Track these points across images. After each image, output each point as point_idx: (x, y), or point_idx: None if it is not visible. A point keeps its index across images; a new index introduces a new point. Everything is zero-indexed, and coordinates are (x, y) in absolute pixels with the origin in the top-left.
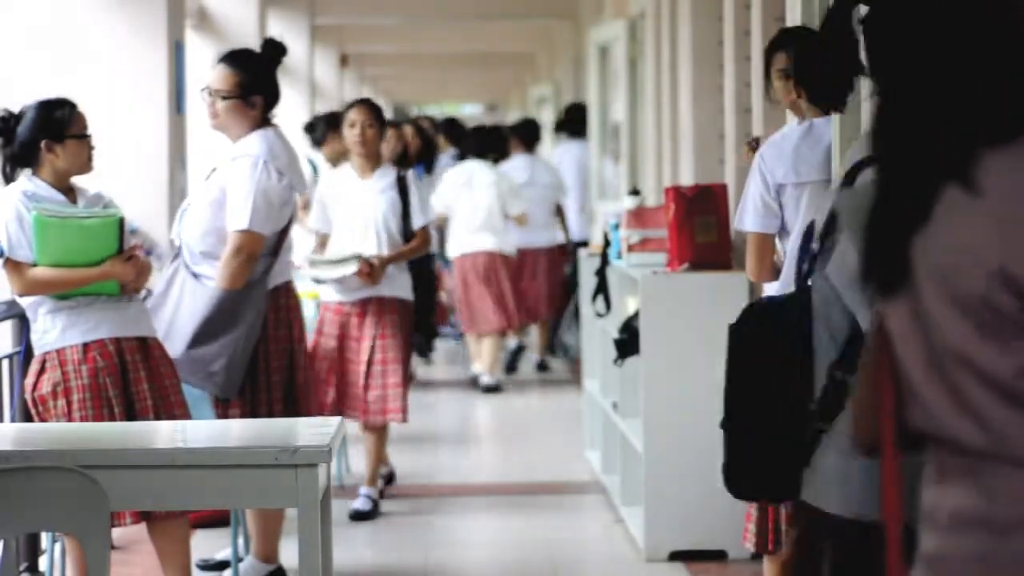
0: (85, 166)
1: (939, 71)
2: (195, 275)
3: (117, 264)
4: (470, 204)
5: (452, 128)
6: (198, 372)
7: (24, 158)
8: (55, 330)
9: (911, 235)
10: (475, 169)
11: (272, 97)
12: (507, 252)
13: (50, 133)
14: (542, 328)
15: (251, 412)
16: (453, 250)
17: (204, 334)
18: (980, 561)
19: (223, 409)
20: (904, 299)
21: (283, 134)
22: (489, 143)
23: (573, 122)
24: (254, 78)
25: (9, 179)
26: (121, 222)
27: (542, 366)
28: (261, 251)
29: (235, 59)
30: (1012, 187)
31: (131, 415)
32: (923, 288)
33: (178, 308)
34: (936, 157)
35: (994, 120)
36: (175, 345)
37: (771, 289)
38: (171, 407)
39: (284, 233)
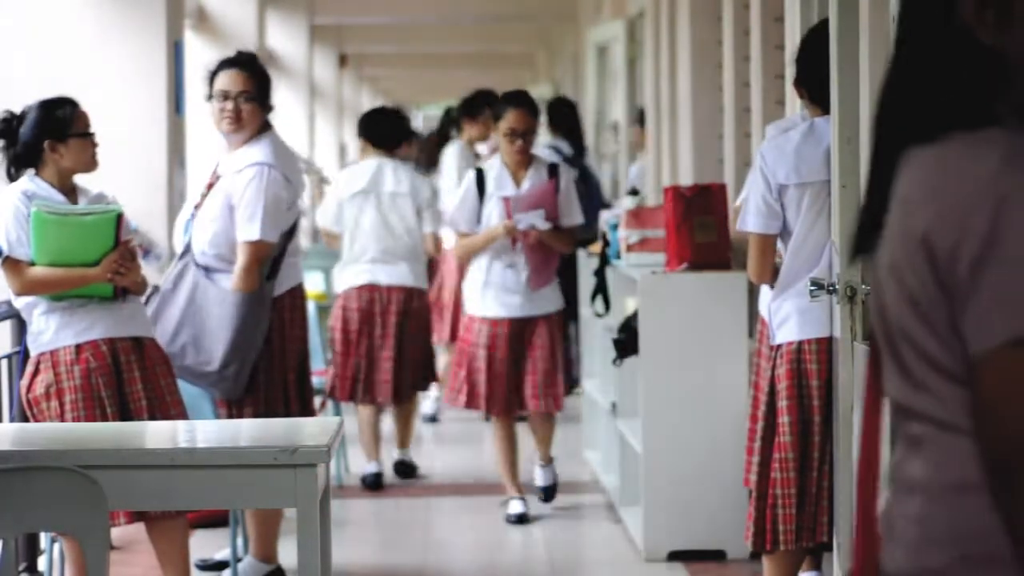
0: (89, 164)
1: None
2: (207, 272)
3: (113, 258)
4: (370, 219)
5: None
6: (209, 376)
7: (28, 158)
8: (49, 331)
9: (883, 200)
10: (380, 170)
11: (271, 104)
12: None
13: (53, 133)
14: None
15: (265, 411)
16: (339, 282)
17: (237, 347)
18: (918, 523)
19: (238, 408)
20: (870, 267)
21: (281, 138)
22: (395, 131)
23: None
24: (265, 82)
25: (13, 179)
26: (119, 218)
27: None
28: (271, 255)
29: (250, 64)
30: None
31: (125, 416)
32: (879, 255)
33: (198, 315)
34: (908, 123)
35: (966, 104)
36: (205, 358)
37: (771, 289)
38: (167, 407)
39: (290, 236)
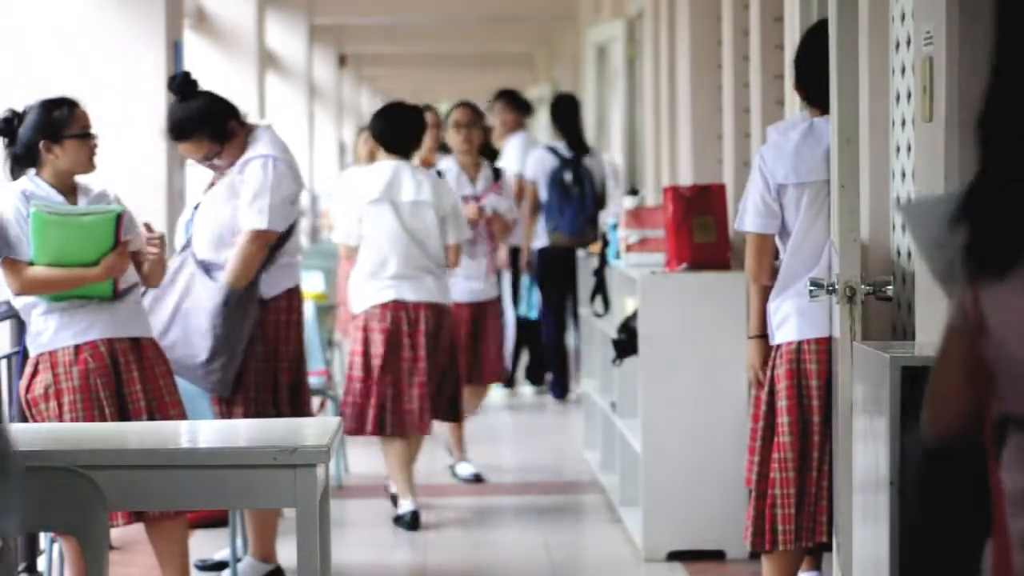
0: (87, 165)
1: None
2: (207, 270)
3: (112, 259)
4: (389, 230)
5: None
6: (196, 370)
7: (26, 159)
8: (48, 331)
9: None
10: (397, 175)
11: (234, 109)
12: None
13: (48, 134)
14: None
15: (256, 412)
16: (357, 301)
17: (224, 340)
18: None
19: (228, 408)
20: (1016, 282)
21: (275, 131)
22: (412, 133)
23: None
24: (211, 118)
25: (15, 179)
26: (118, 218)
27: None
28: (271, 246)
29: (190, 124)
30: None
31: (124, 416)
32: None
33: (190, 309)
34: None
35: None
36: (194, 350)
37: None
38: (165, 407)
39: (288, 235)
